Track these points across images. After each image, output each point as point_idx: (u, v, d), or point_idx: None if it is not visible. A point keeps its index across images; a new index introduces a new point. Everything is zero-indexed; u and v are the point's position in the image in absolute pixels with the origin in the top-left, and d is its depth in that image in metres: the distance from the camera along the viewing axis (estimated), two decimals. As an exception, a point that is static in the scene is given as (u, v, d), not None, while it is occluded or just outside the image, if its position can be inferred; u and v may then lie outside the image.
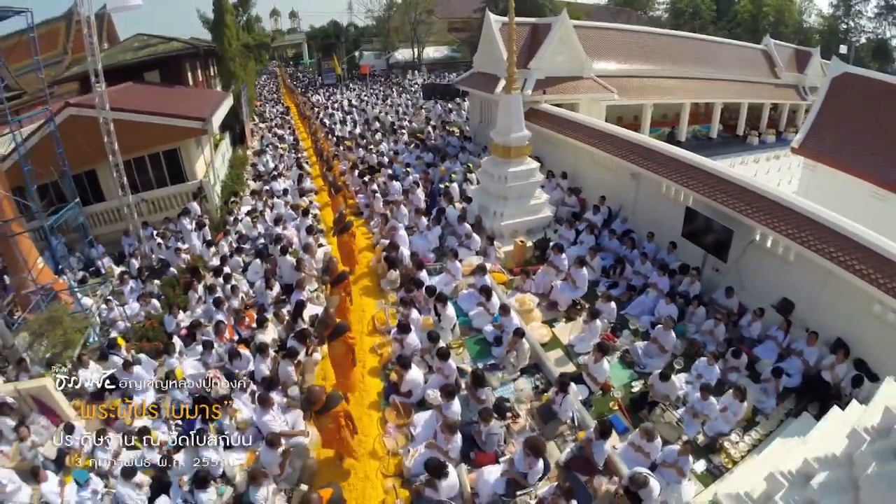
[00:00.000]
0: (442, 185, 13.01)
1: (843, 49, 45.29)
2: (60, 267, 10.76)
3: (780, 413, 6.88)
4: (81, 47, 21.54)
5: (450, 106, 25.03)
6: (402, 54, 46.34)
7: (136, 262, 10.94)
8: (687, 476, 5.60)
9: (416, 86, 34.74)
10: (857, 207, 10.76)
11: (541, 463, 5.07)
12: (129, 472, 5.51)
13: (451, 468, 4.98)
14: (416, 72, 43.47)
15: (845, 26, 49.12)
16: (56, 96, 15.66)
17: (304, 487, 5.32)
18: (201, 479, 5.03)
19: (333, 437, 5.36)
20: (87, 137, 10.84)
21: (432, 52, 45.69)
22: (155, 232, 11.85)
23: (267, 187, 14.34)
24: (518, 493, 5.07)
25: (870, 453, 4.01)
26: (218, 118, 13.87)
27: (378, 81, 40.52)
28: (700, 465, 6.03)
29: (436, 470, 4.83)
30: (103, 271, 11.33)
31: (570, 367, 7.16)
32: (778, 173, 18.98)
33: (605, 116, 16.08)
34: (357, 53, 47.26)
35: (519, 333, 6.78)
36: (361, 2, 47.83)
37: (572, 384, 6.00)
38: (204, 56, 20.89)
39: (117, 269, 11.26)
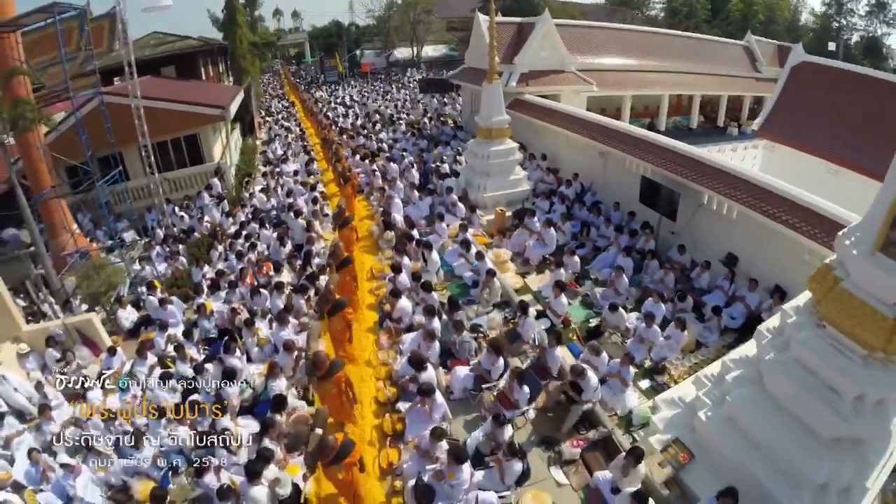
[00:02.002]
0: (434, 165, 14.35)
1: (831, 46, 46.26)
2: (90, 239, 12.16)
3: (721, 346, 7.98)
4: (95, 45, 22.90)
5: (445, 100, 26.42)
6: (402, 53, 47.81)
7: (160, 232, 12.30)
8: (629, 385, 6.75)
9: (415, 82, 36.17)
10: (814, 183, 11.90)
11: (501, 361, 6.37)
12: (165, 378, 6.79)
13: (429, 365, 6.28)
14: (415, 69, 44.92)
15: (837, 24, 50.08)
16: (74, 89, 17.04)
17: (318, 431, 5.45)
18: (229, 373, 6.30)
19: (335, 402, 5.78)
20: (116, 123, 12.20)
21: (431, 50, 47.15)
22: (177, 208, 13.23)
23: (277, 170, 15.74)
24: (483, 386, 6.36)
25: (770, 347, 5.15)
26: (233, 108, 15.29)
27: (378, 78, 41.95)
28: (645, 384, 7.18)
29: (417, 363, 6.14)
30: (127, 242, 12.70)
31: (538, 307, 8.46)
32: (754, 160, 20.19)
33: (585, 107, 17.37)
34: (358, 52, 48.75)
35: (491, 273, 8.11)
36: (362, 2, 49.27)
37: (532, 309, 7.29)
38: (215, 53, 22.31)
39: (142, 241, 12.64)
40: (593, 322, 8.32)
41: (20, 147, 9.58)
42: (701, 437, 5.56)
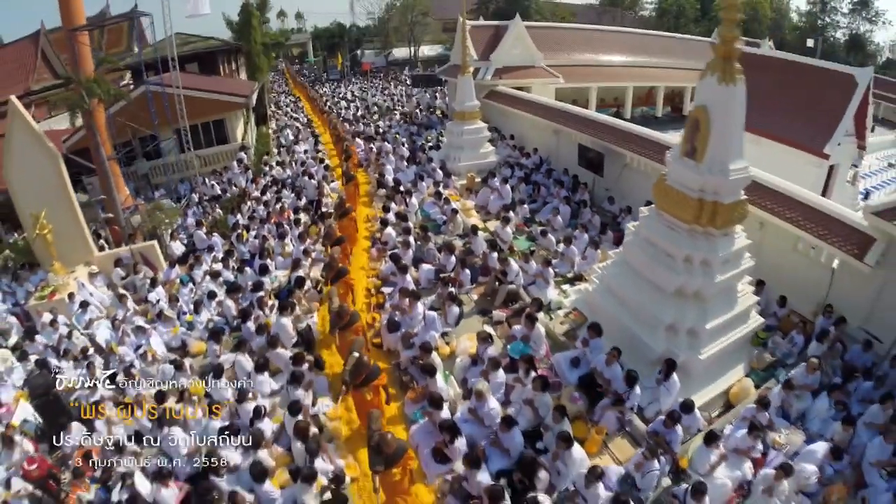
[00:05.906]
0: (421, 143, 17.17)
1: (810, 43, 48.25)
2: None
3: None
4: (112, 45, 25.74)
5: (436, 94, 29.30)
6: (401, 52, 50.74)
7: (195, 196, 15.11)
8: (550, 283, 9.32)
9: (409, 79, 39.13)
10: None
11: (453, 258, 9.12)
12: (215, 275, 9.57)
13: (405, 262, 9.02)
14: (411, 69, 47.77)
15: (821, 22, 52.25)
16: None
17: (355, 355, 5.55)
18: (263, 268, 9.08)
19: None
20: (157, 109, 14.98)
21: (428, 50, 50.01)
22: (206, 178, 16.06)
23: (291, 149, 18.60)
24: (441, 275, 9.09)
25: (630, 234, 7.63)
26: (254, 98, 18.18)
27: (377, 76, 44.86)
28: (567, 287, 9.85)
29: (395, 259, 8.88)
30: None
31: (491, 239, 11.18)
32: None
33: (554, 97, 20.05)
34: (359, 52, 51.71)
35: (454, 212, 10.89)
36: (363, 4, 52.32)
37: (480, 231, 10.03)
38: (232, 52, 25.22)
39: (182, 202, 15.42)
40: (532, 249, 11.04)
41: (93, 121, 12.21)
42: (590, 303, 8.08)
